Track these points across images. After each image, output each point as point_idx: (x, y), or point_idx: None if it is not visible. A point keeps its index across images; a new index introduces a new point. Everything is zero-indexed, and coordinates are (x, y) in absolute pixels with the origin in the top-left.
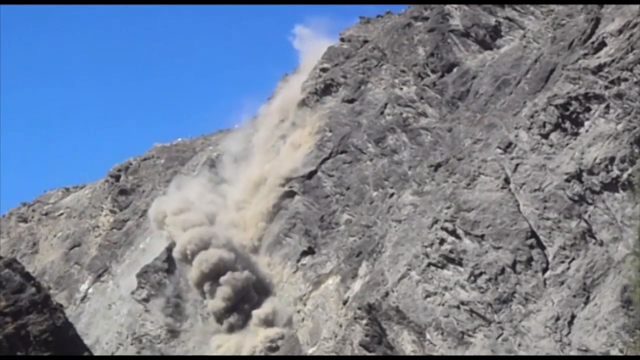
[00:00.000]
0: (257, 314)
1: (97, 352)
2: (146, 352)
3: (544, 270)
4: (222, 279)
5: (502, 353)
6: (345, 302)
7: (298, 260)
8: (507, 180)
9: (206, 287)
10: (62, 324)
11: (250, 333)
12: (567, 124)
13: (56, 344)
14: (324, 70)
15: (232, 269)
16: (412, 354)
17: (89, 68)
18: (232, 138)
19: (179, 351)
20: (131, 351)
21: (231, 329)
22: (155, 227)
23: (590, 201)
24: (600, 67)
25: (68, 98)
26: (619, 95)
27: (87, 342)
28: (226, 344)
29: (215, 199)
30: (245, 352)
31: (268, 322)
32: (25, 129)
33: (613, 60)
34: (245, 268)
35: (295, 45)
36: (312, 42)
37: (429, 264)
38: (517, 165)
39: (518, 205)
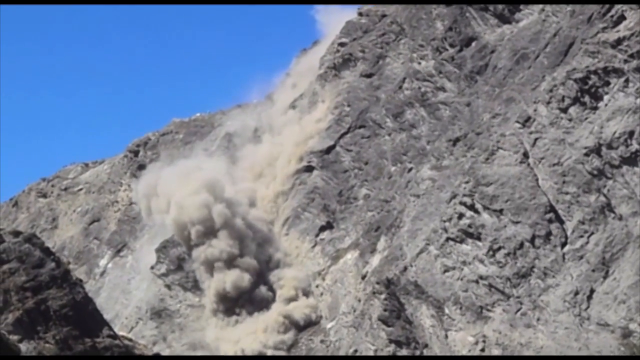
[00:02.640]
0: (277, 288)
1: (116, 327)
2: (165, 327)
3: (563, 245)
4: (243, 253)
5: (520, 327)
6: (363, 277)
7: (317, 235)
8: (525, 155)
9: (214, 267)
10: (82, 298)
11: (262, 316)
12: (586, 98)
13: (76, 318)
14: (342, 44)
15: (249, 243)
16: (431, 328)
17: (108, 42)
18: (248, 113)
19: (197, 326)
20: (150, 326)
21: (248, 312)
22: (142, 203)
23: (609, 175)
24: (619, 41)
25: (86, 72)
26: (639, 69)
27: (107, 316)
28: (238, 330)
29: (223, 172)
30: (262, 327)
31: (287, 297)
32: (43, 104)
33: (632, 34)
34: (262, 243)
35: (317, 17)
36: (334, 14)
37: (448, 239)
38: (535, 139)
39: (537, 180)
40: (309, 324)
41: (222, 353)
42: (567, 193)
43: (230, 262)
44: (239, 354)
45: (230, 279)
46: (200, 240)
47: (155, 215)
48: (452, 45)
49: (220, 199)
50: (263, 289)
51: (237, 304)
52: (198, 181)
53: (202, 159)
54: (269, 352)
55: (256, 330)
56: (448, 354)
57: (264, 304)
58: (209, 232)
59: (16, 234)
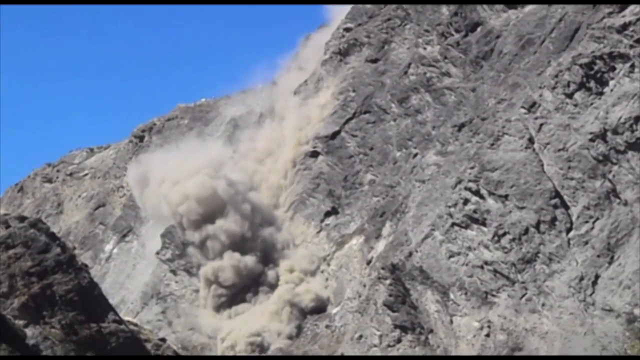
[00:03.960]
0: (281, 273)
1: (122, 312)
2: (171, 312)
3: (568, 230)
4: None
5: (525, 313)
6: (369, 262)
7: (322, 221)
8: (531, 140)
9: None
10: (87, 283)
11: (267, 301)
12: (592, 84)
13: (81, 303)
14: (347, 30)
15: (255, 227)
16: (436, 314)
17: (113, 27)
18: (253, 98)
19: (202, 312)
20: (156, 311)
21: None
22: (135, 188)
23: (614, 161)
24: (625, 26)
25: (92, 57)
26: None
27: (112, 301)
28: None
29: (226, 156)
30: (267, 312)
31: (292, 282)
32: (49, 88)
33: (638, 19)
34: (265, 226)
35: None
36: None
37: (453, 224)
38: (541, 125)
39: (542, 165)
40: (314, 309)
41: (221, 339)
42: (572, 178)
43: (233, 245)
44: (240, 338)
45: (233, 263)
46: (198, 221)
47: (147, 199)
48: (457, 31)
49: (223, 179)
50: (268, 274)
51: (241, 290)
52: (198, 161)
53: (199, 143)
54: (274, 338)
55: (260, 316)
56: (453, 339)
57: (268, 289)
58: (210, 212)
59: (22, 219)
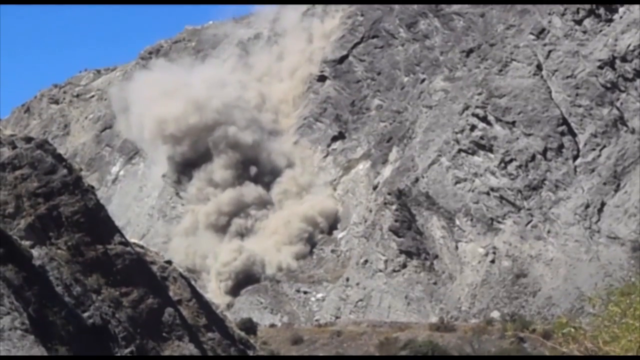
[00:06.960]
0: (286, 194)
1: (128, 234)
2: (178, 237)
3: (575, 158)
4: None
5: (530, 240)
6: (375, 187)
7: (328, 145)
8: (539, 67)
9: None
10: (94, 205)
11: (271, 222)
12: (601, 10)
13: (87, 225)
14: None
15: (256, 148)
16: (442, 239)
17: None
18: (261, 21)
19: (205, 233)
20: (162, 233)
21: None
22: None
23: (622, 88)
24: None
25: None
26: None
27: (119, 223)
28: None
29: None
30: (272, 229)
31: (297, 203)
32: (57, 9)
33: None
34: (268, 147)
35: None
36: None
37: (460, 150)
38: (549, 51)
39: (550, 92)
40: (324, 227)
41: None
42: (580, 106)
43: (234, 158)
44: (225, 263)
45: (232, 175)
46: (183, 136)
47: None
48: None
49: (224, 96)
50: (273, 189)
51: (243, 208)
52: (194, 77)
53: (196, 63)
54: (283, 258)
55: (267, 235)
56: (458, 265)
57: (273, 208)
58: (210, 122)
59: (28, 139)
